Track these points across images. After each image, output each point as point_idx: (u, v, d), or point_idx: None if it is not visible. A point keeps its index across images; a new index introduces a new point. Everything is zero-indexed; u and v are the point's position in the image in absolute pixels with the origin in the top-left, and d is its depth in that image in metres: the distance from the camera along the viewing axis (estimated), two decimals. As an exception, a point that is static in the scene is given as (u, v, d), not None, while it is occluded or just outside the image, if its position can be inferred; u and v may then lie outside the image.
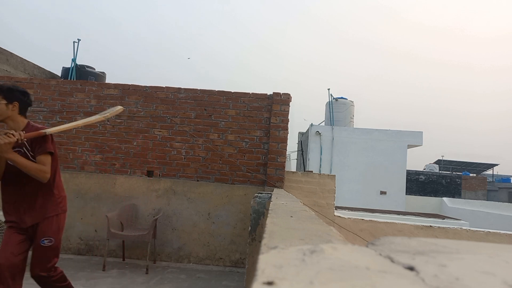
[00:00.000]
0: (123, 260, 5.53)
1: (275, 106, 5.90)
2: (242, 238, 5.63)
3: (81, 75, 8.56)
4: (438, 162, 33.90)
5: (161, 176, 5.91)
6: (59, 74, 8.77)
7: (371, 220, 5.60)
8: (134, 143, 6.00)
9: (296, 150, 15.96)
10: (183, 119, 6.01)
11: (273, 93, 5.96)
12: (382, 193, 12.49)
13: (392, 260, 0.71)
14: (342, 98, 14.30)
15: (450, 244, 0.90)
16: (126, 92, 6.10)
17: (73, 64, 8.65)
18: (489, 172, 35.98)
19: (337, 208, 7.07)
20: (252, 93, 6.06)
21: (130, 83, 6.14)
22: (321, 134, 12.80)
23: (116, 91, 6.11)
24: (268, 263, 0.67)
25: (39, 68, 8.18)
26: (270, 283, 0.56)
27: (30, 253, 2.87)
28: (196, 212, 5.76)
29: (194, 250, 5.69)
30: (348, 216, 5.76)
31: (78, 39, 8.71)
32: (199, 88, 6.06)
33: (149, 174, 5.93)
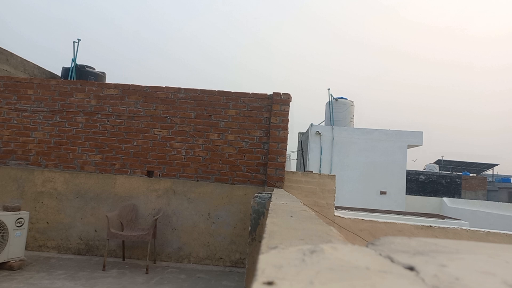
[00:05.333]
0: (123, 260, 5.53)
1: (275, 106, 5.90)
2: (242, 238, 5.63)
3: (81, 75, 8.56)
4: (438, 162, 33.89)
5: (161, 176, 5.91)
6: (59, 74, 8.77)
7: (371, 220, 5.60)
8: (134, 143, 6.00)
9: (296, 150, 15.96)
10: (183, 119, 6.01)
11: (273, 93, 5.96)
12: (382, 193, 12.49)
13: (392, 260, 0.71)
14: (342, 98, 14.30)
15: (450, 244, 0.90)
16: (126, 92, 6.10)
17: (73, 64, 8.65)
18: (489, 172, 35.96)
19: (337, 208, 7.07)
20: (252, 93, 6.06)
21: (130, 83, 6.14)
22: (321, 134, 12.79)
23: (116, 91, 6.11)
24: (268, 263, 0.67)
25: (39, 68, 8.18)
26: (270, 283, 0.56)
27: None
28: (196, 212, 5.76)
29: (194, 250, 5.69)
30: (348, 216, 5.75)
31: (78, 39, 8.70)
32: (199, 88, 6.06)
33: (149, 174, 5.93)
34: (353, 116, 14.38)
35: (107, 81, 9.09)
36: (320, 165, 12.60)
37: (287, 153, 8.51)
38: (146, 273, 4.98)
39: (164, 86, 6.12)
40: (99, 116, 6.08)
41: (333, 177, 5.95)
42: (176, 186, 5.84)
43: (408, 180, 18.22)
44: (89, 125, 6.06)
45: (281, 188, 5.62)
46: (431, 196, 19.28)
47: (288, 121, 5.90)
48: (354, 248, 0.83)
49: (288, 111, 5.92)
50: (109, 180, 5.90)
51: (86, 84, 6.22)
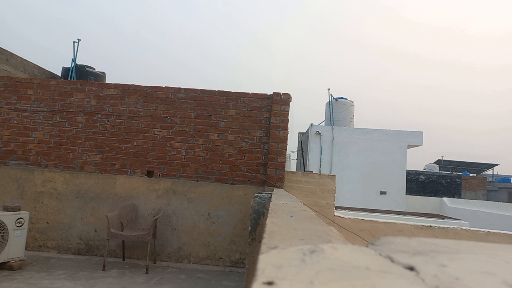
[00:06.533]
0: (123, 260, 5.53)
1: (275, 106, 5.90)
2: (242, 238, 5.63)
3: (81, 75, 8.56)
4: (438, 162, 33.88)
5: (161, 176, 5.91)
6: (59, 74, 8.77)
7: (371, 220, 5.60)
8: (134, 143, 6.00)
9: (296, 150, 15.96)
10: (183, 119, 6.01)
11: (273, 93, 5.96)
12: (382, 193, 12.48)
13: (392, 260, 0.71)
14: (342, 98, 14.30)
15: (450, 244, 0.90)
16: (126, 92, 6.10)
17: (73, 64, 8.65)
18: (489, 172, 35.95)
19: (337, 208, 7.07)
20: (252, 93, 6.06)
21: (130, 83, 6.14)
22: (321, 134, 12.79)
23: (116, 91, 6.11)
24: (268, 263, 0.67)
25: (39, 68, 8.18)
26: (270, 283, 0.56)
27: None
28: (196, 212, 5.76)
29: (194, 250, 5.69)
30: (348, 216, 5.75)
31: (78, 39, 8.70)
32: (199, 88, 6.06)
33: (149, 174, 5.93)
34: (353, 116, 14.37)
35: (107, 81, 9.09)
36: (320, 165, 12.59)
37: (287, 153, 8.52)
38: (146, 273, 4.98)
39: (164, 86, 6.12)
40: (99, 116, 6.08)
41: (333, 177, 5.94)
42: (176, 186, 5.84)
43: (408, 180, 18.22)
44: (89, 125, 6.06)
45: (281, 188, 5.62)
46: (431, 196, 19.28)
47: (288, 121, 5.90)
48: (354, 248, 0.83)
49: (288, 111, 5.92)
50: (109, 180, 5.90)
51: (86, 84, 6.22)
